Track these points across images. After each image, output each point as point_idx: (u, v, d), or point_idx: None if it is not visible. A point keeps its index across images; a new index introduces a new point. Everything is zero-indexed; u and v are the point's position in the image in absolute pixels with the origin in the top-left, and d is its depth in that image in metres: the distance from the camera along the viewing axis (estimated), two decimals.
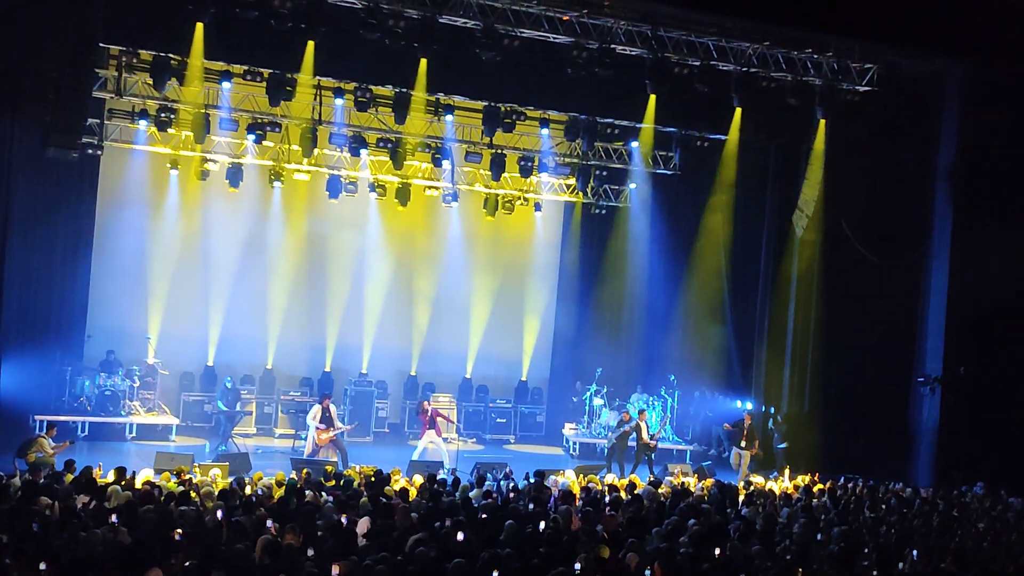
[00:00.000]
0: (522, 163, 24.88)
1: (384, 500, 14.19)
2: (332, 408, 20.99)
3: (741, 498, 17.05)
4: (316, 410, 20.83)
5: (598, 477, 18.83)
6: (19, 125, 20.01)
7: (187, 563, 10.10)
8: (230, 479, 15.96)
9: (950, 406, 22.88)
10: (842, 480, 19.51)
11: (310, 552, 10.97)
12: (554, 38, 20.16)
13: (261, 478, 15.95)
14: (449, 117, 23.46)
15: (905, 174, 23.65)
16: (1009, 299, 22.24)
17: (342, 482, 15.81)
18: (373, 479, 16.28)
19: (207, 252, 25.08)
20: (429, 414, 21.42)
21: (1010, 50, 20.83)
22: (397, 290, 26.73)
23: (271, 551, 10.74)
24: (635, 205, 27.06)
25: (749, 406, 25.18)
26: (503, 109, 22.67)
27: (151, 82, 21.08)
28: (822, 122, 22.72)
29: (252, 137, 23.18)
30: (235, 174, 24.03)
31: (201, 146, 23.27)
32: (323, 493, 14.64)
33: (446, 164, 24.73)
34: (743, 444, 22.27)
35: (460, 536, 11.96)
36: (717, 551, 12.29)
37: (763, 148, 24.78)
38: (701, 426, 26.10)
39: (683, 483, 18.69)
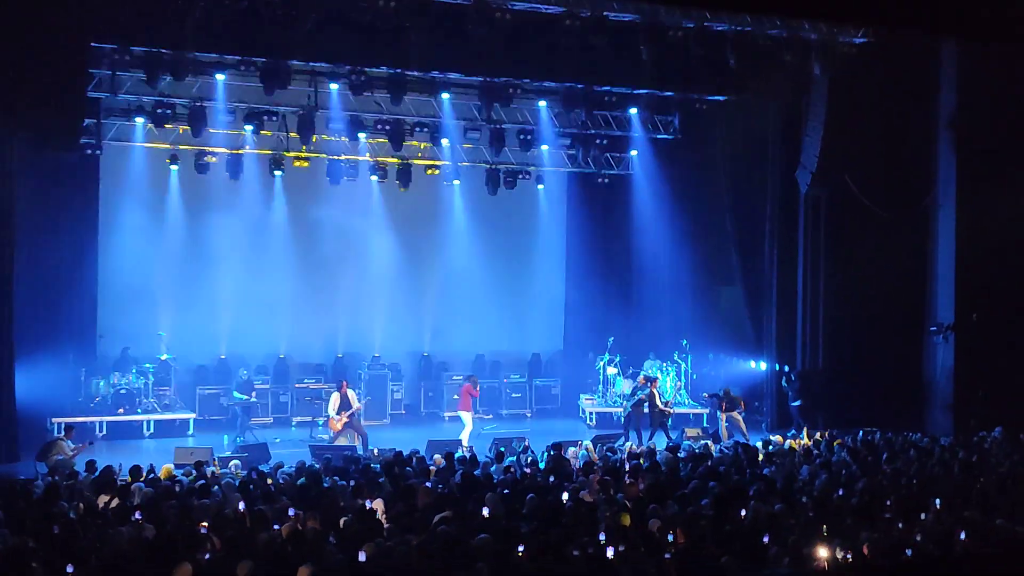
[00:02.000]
0: (521, 137, 24.83)
1: (404, 481, 14.26)
2: (350, 393, 21.11)
3: (760, 458, 17.10)
4: (335, 398, 20.93)
5: (615, 446, 18.89)
6: (18, 130, 20.01)
7: (214, 555, 10.17)
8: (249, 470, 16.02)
9: (964, 353, 22.86)
10: (860, 434, 19.53)
11: (332, 539, 11.04)
12: (546, 8, 20.06)
13: (281, 467, 16.03)
14: (446, 95, 23.42)
15: (907, 124, 23.56)
16: (1018, 243, 22.20)
17: (361, 466, 15.88)
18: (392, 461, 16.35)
19: (212, 245, 25.10)
20: (473, 391, 21.86)
21: None
22: (405, 271, 26.75)
23: (295, 539, 10.81)
24: (637, 172, 27.02)
25: (763, 366, 25.23)
26: (500, 83, 22.60)
27: (145, 78, 21.05)
28: (820, 77, 22.60)
29: (250, 127, 23.15)
30: (235, 165, 24.02)
31: (199, 139, 23.26)
32: (342, 478, 14.71)
33: (445, 143, 24.70)
34: (723, 407, 22.36)
35: (485, 511, 12.03)
36: (739, 512, 12.34)
37: (763, 107, 24.68)
38: (716, 389, 26.14)
39: (704, 446, 18.75)
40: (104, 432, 22.15)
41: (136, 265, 24.32)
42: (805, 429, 21.71)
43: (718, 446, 19.68)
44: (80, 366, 22.91)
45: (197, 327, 24.73)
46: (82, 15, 18.93)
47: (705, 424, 23.27)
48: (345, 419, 20.67)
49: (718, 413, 22.67)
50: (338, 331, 26.19)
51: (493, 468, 15.72)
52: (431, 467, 15.89)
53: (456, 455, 16.96)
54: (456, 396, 23.23)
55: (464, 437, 21.06)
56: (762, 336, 25.60)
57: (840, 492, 13.78)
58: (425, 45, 20.40)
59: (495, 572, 9.89)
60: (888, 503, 13.10)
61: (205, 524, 11.61)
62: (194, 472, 15.43)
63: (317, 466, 16.05)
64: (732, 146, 25.25)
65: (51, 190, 22.14)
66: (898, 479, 14.95)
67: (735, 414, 22.38)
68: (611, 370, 25.75)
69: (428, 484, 14.02)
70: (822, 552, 10.46)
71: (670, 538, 11.12)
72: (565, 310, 28.31)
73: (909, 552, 10.57)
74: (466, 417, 21.85)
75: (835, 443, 18.66)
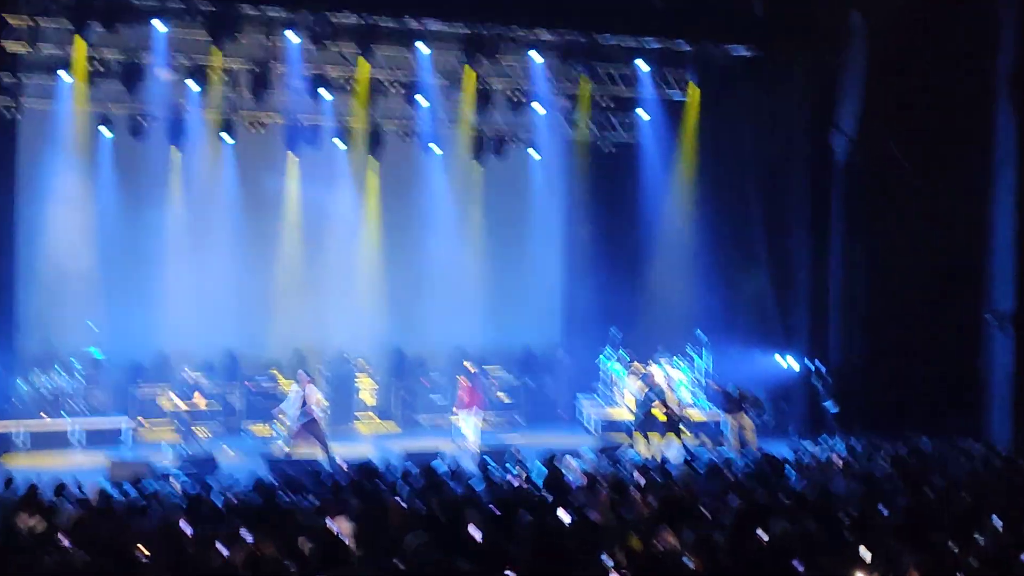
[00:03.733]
0: (512, 96, 24.76)
1: (375, 498, 14.23)
2: (310, 388, 21.06)
3: (788, 469, 17.10)
4: (294, 395, 20.91)
5: (621, 456, 18.88)
6: None
7: None
8: (195, 485, 15.97)
9: None
10: (905, 441, 19.55)
11: (291, 566, 11.00)
12: None
13: (233, 483, 15.98)
14: (423, 47, 23.33)
15: (960, 80, 23.50)
16: None
17: (325, 480, 15.85)
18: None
19: (151, 222, 25.02)
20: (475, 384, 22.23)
21: None
22: (375, 253, 26.73)
23: (249, 566, 10.77)
24: (647, 137, 26.98)
25: (791, 361, 25.24)
26: (486, 33, 22.53)
27: (72, 28, 20.92)
28: (860, 26, 22.57)
29: (195, 86, 23.04)
30: (177, 130, 23.93)
31: (136, 100, 23.14)
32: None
33: (423, 102, 24.62)
34: (728, 407, 22.37)
35: (472, 533, 12.00)
36: (765, 533, 12.33)
37: (793, 61, 24.64)
38: (731, 386, 26.15)
39: (723, 457, 18.76)
40: (25, 441, 22.08)
41: (62, 245, 24.24)
42: (840, 435, 21.72)
43: (742, 459, 19.70)
44: None
45: (133, 317, 24.64)
46: None
47: (727, 433, 23.27)
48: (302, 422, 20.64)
49: (722, 414, 22.69)
50: (296, 321, 26.15)
51: (478, 483, 15.69)
52: (407, 480, 15.86)
53: (436, 465, 16.93)
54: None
55: (472, 441, 21.25)
56: (790, 326, 25.61)
57: (882, 508, 13.78)
58: None
59: None
60: (938, 522, 13.10)
61: (143, 550, 11.57)
62: (130, 489, 15.37)
63: (274, 481, 16.01)
64: (757, 107, 25.19)
65: None
66: (949, 494, 14.96)
67: (743, 417, 22.34)
68: (616, 367, 25.75)
69: (402, 501, 14.00)
70: None
71: (686, 562, 11.11)
72: (562, 297, 28.35)
73: None
74: (467, 420, 22.01)
75: (876, 452, 18.67)
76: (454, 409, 23.06)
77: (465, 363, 23.48)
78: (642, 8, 21.58)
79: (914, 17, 21.88)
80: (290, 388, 21.45)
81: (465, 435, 22.26)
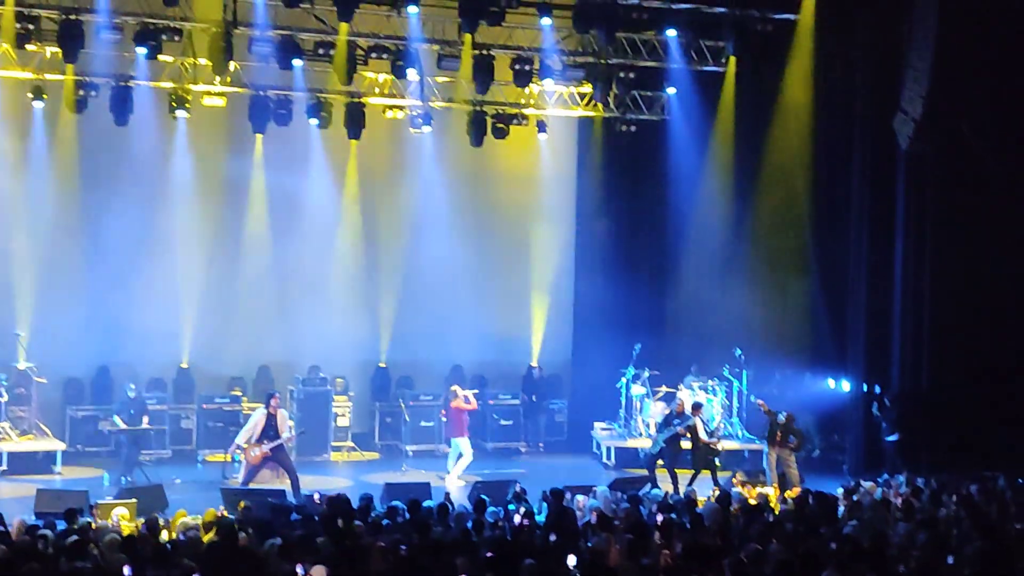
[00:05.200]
0: (517, 67, 24.79)
1: (350, 539, 14.26)
2: (281, 414, 21.11)
3: (841, 511, 17.14)
4: (258, 419, 20.91)
5: (641, 495, 18.90)
6: None
7: None
8: (139, 521, 16.01)
9: None
10: (977, 480, 19.56)
11: None
12: None
13: (184, 517, 16.02)
14: (413, 8, 23.37)
15: None
16: None
17: (293, 517, 15.88)
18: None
19: (91, 212, 25.08)
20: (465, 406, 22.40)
21: None
22: (355, 253, 26.79)
23: None
24: (676, 117, 26.98)
25: (846, 386, 25.24)
26: None
27: None
28: None
29: (143, 50, 23.06)
30: (122, 103, 23.88)
31: (74, 66, 23.17)
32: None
33: (412, 74, 24.65)
34: (777, 438, 22.30)
35: None
36: None
37: (849, 31, 24.67)
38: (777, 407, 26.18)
39: (760, 495, 18.80)
40: None
41: None
42: (903, 473, 21.74)
43: (784, 498, 19.72)
44: None
45: (69, 325, 24.72)
46: None
47: (765, 465, 23.26)
48: (266, 451, 20.66)
49: (766, 444, 22.64)
50: (262, 332, 26.20)
51: (472, 522, 15.72)
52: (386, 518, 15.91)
53: (424, 503, 16.97)
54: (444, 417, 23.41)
55: (454, 472, 21.36)
56: (845, 345, 25.61)
57: (949, 558, 13.81)
58: None
59: None
60: (1013, 573, 13.14)
61: None
62: (63, 524, 15.40)
63: (232, 517, 16.04)
64: (805, 84, 25.21)
65: None
66: None
67: (788, 451, 22.28)
68: (637, 389, 25.75)
69: (383, 543, 14.04)
70: None
71: None
72: (575, 307, 28.35)
73: None
74: (462, 445, 22.10)
75: (942, 491, 18.68)
76: (452, 436, 23.09)
77: (454, 388, 23.58)
78: None
79: None
80: (255, 412, 21.41)
81: (458, 465, 22.33)
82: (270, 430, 20.79)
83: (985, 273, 23.71)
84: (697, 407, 22.91)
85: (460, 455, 22.88)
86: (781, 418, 22.43)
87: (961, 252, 23.95)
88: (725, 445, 23.64)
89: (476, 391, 24.60)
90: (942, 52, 22.96)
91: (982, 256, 23.70)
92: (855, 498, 18.59)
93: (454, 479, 22.40)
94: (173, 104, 24.24)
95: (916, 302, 24.55)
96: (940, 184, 24.19)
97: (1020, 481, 19.49)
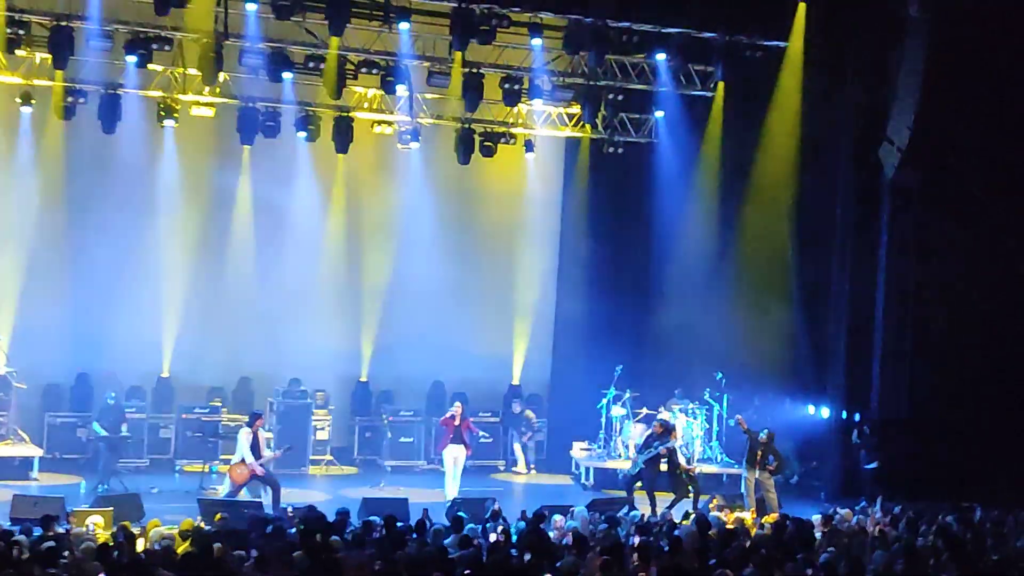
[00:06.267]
0: (507, 86, 24.80)
1: (326, 552, 14.21)
2: (263, 435, 21.14)
3: (818, 537, 17.11)
4: (246, 434, 20.88)
5: (619, 516, 18.84)
6: None
7: None
8: (115, 530, 15.94)
9: None
10: (955, 509, 19.56)
11: None
12: None
13: (157, 527, 15.95)
14: (404, 25, 23.39)
15: None
16: None
17: (270, 530, 15.82)
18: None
19: (75, 219, 25.00)
20: (457, 423, 22.28)
21: None
22: (339, 266, 26.74)
23: None
24: (663, 140, 27.02)
25: (825, 412, 25.23)
26: (478, 12, 22.57)
27: None
28: (918, 20, 22.64)
29: (133, 59, 23.03)
30: (111, 110, 23.83)
31: (63, 73, 23.12)
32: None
33: (402, 90, 24.65)
34: (758, 459, 22.23)
35: None
36: None
37: (837, 59, 24.72)
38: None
39: (738, 519, 18.77)
40: None
41: None
42: (880, 500, 21.74)
43: (757, 520, 19.70)
44: None
45: (49, 331, 24.60)
46: None
47: (743, 489, 23.24)
48: (254, 469, 20.61)
49: (744, 466, 22.60)
50: (244, 344, 26.11)
51: (449, 540, 15.67)
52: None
53: (399, 517, 16.92)
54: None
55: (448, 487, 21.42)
56: (826, 371, 25.62)
57: None
58: None
59: None
60: None
61: None
62: (39, 530, 15.31)
63: (208, 528, 15.97)
64: (792, 111, 25.23)
65: None
66: (1004, 572, 14.97)
67: (767, 474, 22.24)
68: (618, 410, 25.72)
69: (359, 557, 13.99)
70: None
71: None
72: (556, 326, 28.29)
73: None
74: (450, 457, 22.18)
75: (919, 520, 18.66)
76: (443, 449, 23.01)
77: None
78: None
79: (982, 7, 21.89)
80: (240, 435, 21.34)
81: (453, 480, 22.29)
82: (255, 449, 20.78)
83: (966, 303, 23.79)
84: (671, 429, 22.81)
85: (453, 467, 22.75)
86: (762, 436, 22.38)
87: (943, 282, 24.01)
88: (704, 469, 23.59)
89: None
90: (929, 84, 23.02)
91: (963, 286, 23.77)
92: (832, 525, 18.58)
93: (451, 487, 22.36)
94: (161, 113, 24.22)
95: (897, 330, 24.59)
96: (923, 213, 24.25)
97: (996, 513, 19.47)
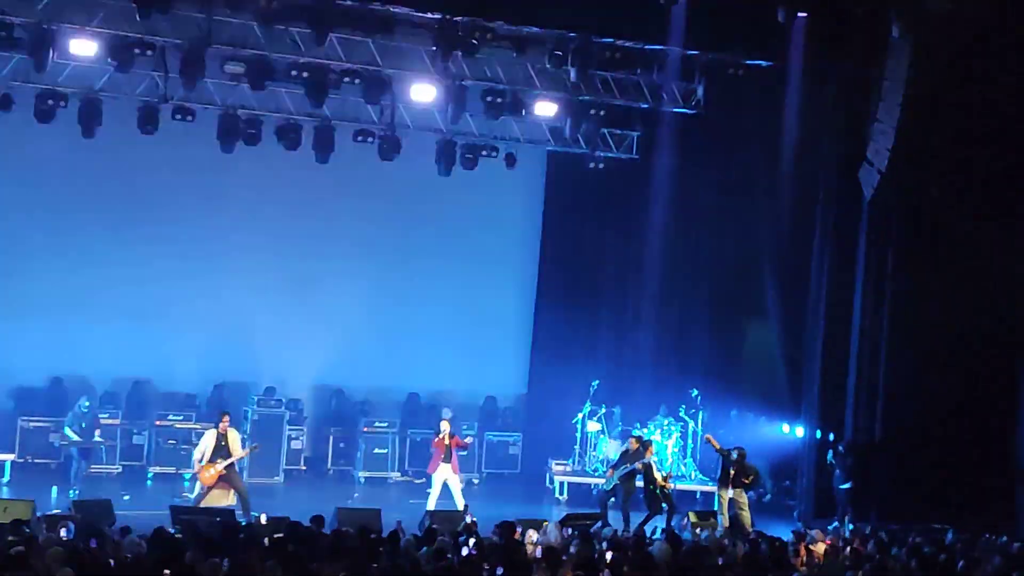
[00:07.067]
0: (489, 99, 24.81)
1: (299, 562, 14.16)
2: (232, 434, 21.02)
3: (791, 557, 17.12)
4: (209, 438, 20.82)
5: (592, 531, 18.83)
6: None
7: None
8: (84, 534, 15.86)
9: None
10: (927, 532, 19.59)
11: None
12: None
13: (130, 534, 15.87)
14: (387, 35, 23.37)
15: (1020, 109, 23.56)
16: None
17: (242, 537, 15.77)
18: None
19: (51, 223, 24.95)
20: (447, 442, 22.07)
21: None
22: (317, 276, 26.68)
23: None
24: (645, 156, 27.08)
25: (799, 431, 25.25)
26: (462, 24, 22.59)
27: None
28: (899, 41, 22.69)
29: (114, 64, 22.98)
30: (91, 115, 23.79)
31: (43, 75, 23.05)
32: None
33: (384, 102, 24.64)
34: (731, 477, 22.23)
35: None
36: None
37: (818, 79, 24.77)
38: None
39: (711, 537, 18.75)
40: None
41: None
42: (848, 519, 21.77)
43: (729, 539, 19.70)
44: None
45: (21, 334, 24.54)
46: None
47: (716, 507, 23.27)
48: (221, 470, 20.56)
49: (718, 485, 22.61)
50: (218, 351, 26.08)
51: (422, 551, 15.64)
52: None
53: (373, 528, 16.87)
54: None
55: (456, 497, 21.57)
56: (801, 391, 25.65)
57: None
58: None
59: None
60: None
61: None
62: (8, 535, 15.24)
63: (179, 534, 15.90)
64: (773, 130, 25.29)
65: None
66: None
67: (741, 491, 22.25)
68: (593, 426, 25.72)
69: (331, 568, 13.95)
70: None
71: None
72: (533, 339, 28.32)
73: None
74: (439, 477, 22.06)
75: (892, 542, 18.69)
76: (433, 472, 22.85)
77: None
78: (649, 8, 21.61)
79: (966, 28, 21.93)
80: (206, 432, 21.30)
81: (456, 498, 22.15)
82: (222, 450, 20.70)
83: (942, 325, 23.80)
84: (647, 444, 22.81)
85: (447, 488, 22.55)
86: (734, 455, 22.39)
87: (919, 304, 24.03)
88: (678, 486, 23.60)
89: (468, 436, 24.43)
90: (911, 103, 23.05)
91: (939, 308, 23.78)
92: (805, 544, 18.60)
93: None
94: (142, 118, 24.13)
95: (872, 351, 24.61)
96: (901, 236, 24.29)
97: (967, 535, 19.50)
